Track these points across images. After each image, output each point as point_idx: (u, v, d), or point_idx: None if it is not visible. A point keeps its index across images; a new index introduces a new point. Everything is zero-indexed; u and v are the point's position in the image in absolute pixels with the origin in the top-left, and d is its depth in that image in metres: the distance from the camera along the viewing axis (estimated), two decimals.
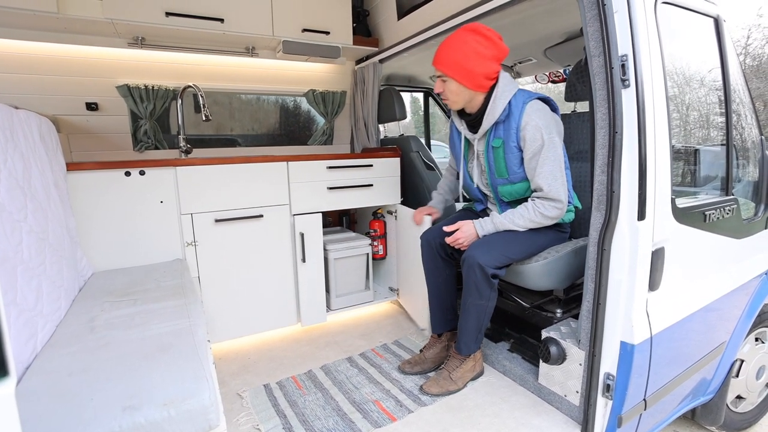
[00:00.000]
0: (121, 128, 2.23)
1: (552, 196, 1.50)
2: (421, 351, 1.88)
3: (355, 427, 1.47)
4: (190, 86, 2.11)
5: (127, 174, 1.74)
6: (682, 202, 1.45)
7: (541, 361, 1.54)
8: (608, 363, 1.35)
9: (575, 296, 1.75)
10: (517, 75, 2.60)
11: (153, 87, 2.21)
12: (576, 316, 1.66)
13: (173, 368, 0.94)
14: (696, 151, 1.77)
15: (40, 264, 1.23)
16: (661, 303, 1.39)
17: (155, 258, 1.84)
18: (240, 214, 1.97)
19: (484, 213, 1.81)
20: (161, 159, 1.80)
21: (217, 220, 1.92)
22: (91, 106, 2.14)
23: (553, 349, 1.48)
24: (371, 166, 2.26)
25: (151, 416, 0.80)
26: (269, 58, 2.45)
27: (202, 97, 2.05)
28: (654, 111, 1.26)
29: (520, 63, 2.46)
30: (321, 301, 2.22)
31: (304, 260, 2.13)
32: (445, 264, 1.77)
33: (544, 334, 1.55)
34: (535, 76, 2.66)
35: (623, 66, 1.22)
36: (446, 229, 1.64)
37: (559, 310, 1.74)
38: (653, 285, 1.34)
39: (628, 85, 1.22)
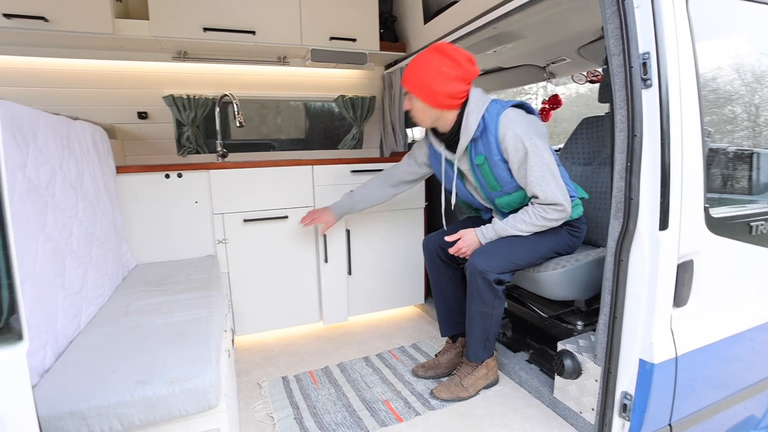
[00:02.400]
0: (167, 134, 2.40)
1: (549, 200, 1.43)
2: (436, 356, 1.87)
3: (362, 424, 1.47)
4: (226, 95, 2.21)
5: (167, 176, 1.86)
6: (720, 212, 1.30)
7: (555, 374, 1.45)
8: (626, 381, 1.25)
9: (597, 308, 1.62)
10: (551, 75, 2.47)
11: (194, 96, 2.36)
12: None
13: (184, 351, 1.03)
14: (754, 155, 1.58)
15: (87, 254, 1.38)
16: (690, 321, 1.26)
17: (190, 253, 1.95)
18: (267, 215, 2.04)
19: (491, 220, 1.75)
20: (197, 163, 1.92)
21: (245, 220, 2.01)
22: (142, 115, 2.33)
23: (567, 363, 1.39)
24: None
25: (158, 391, 0.89)
26: (300, 66, 2.53)
27: (236, 105, 2.15)
28: (681, 112, 1.14)
29: (553, 63, 2.34)
30: (343, 301, 2.25)
31: (326, 261, 2.16)
32: (447, 267, 1.75)
33: (560, 346, 1.46)
34: (572, 77, 2.50)
35: (644, 64, 1.11)
36: (448, 239, 1.60)
37: (580, 322, 1.63)
38: (679, 301, 1.22)
39: (650, 85, 1.12)
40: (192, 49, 2.22)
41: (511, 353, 1.83)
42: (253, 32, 2.11)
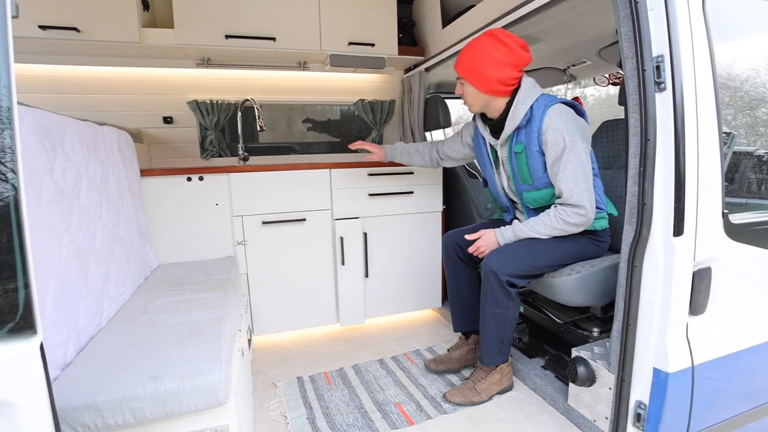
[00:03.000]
0: (192, 138, 2.50)
1: (573, 201, 1.42)
2: (448, 350, 1.90)
3: (373, 425, 1.50)
4: (248, 100, 2.29)
5: (189, 179, 1.95)
6: (741, 218, 1.27)
7: (569, 381, 1.44)
8: (639, 390, 1.24)
9: (613, 315, 1.60)
10: (572, 78, 2.44)
11: (217, 101, 2.45)
12: None
13: (197, 349, 1.08)
14: None
15: (110, 254, 1.46)
16: (708, 330, 1.24)
17: (210, 254, 2.03)
18: (285, 218, 2.11)
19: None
20: (217, 166, 2.01)
21: (264, 222, 2.08)
22: (167, 120, 2.44)
23: (581, 370, 1.38)
24: (412, 173, 2.27)
25: (170, 387, 0.93)
26: (319, 71, 2.59)
27: (257, 109, 2.23)
28: (697, 116, 1.13)
29: (573, 66, 2.31)
30: (359, 303, 2.28)
31: (343, 263, 2.21)
32: (464, 265, 1.77)
33: (574, 352, 1.46)
34: (593, 79, 2.47)
35: (658, 68, 1.11)
36: (468, 237, 1.62)
37: (596, 329, 1.61)
38: (696, 309, 1.20)
39: (664, 89, 1.11)
40: (215, 55, 2.31)
41: (527, 359, 1.83)
42: (273, 39, 2.18)
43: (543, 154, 1.47)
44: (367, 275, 2.29)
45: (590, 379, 1.37)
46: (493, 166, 1.68)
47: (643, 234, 1.17)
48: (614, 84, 2.43)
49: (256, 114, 2.24)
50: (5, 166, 0.56)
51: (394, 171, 2.24)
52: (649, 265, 1.18)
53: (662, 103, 1.12)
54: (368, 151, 1.98)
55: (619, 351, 1.27)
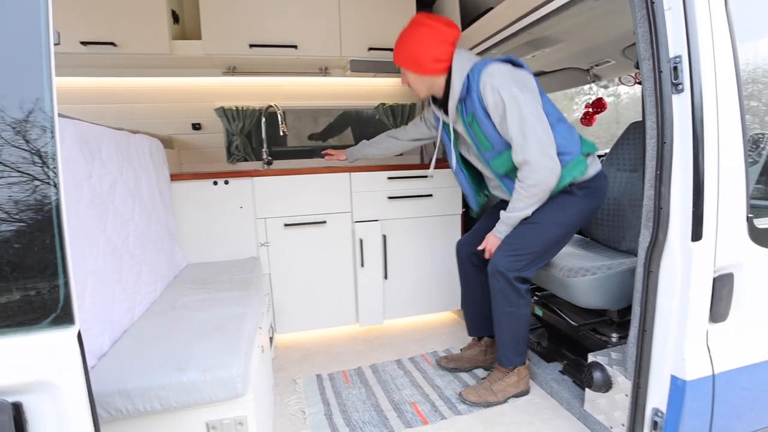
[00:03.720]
0: (219, 143, 2.62)
1: (523, 157, 1.41)
2: (461, 350, 1.95)
3: (388, 423, 1.54)
4: (271, 106, 2.38)
5: (215, 183, 2.05)
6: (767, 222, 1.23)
7: (585, 386, 1.43)
8: (657, 397, 1.22)
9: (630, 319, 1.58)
10: (595, 78, 2.40)
11: (242, 108, 2.57)
12: None
13: (218, 344, 1.16)
14: None
15: (141, 254, 1.56)
16: (730, 338, 1.21)
17: (235, 255, 2.13)
18: (306, 220, 2.18)
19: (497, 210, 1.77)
20: (242, 170, 2.10)
21: (286, 225, 2.16)
22: (196, 126, 2.57)
23: (596, 375, 1.38)
24: (431, 176, 2.30)
25: (193, 378, 1.01)
26: (340, 77, 2.65)
27: (280, 115, 2.32)
28: (718, 118, 1.11)
29: (596, 65, 2.28)
30: (379, 304, 2.33)
31: (362, 265, 2.26)
32: (476, 271, 1.80)
33: (590, 357, 1.45)
34: (619, 78, 2.42)
35: (675, 69, 1.09)
36: (479, 248, 1.66)
37: (614, 334, 1.60)
38: (717, 316, 1.18)
39: (682, 90, 1.10)
40: (240, 64, 2.41)
41: (545, 363, 1.82)
42: (295, 46, 2.27)
43: (490, 117, 1.48)
44: (386, 277, 2.33)
45: (606, 385, 1.36)
46: (452, 145, 1.72)
47: (660, 239, 1.16)
48: (640, 83, 2.37)
49: (279, 119, 2.33)
50: (48, 173, 0.63)
51: (413, 174, 2.28)
52: (666, 271, 1.17)
53: (680, 105, 1.11)
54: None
55: (635, 357, 1.26)
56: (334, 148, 2.85)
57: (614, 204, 1.92)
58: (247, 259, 2.13)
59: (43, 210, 0.63)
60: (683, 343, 1.16)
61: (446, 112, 1.64)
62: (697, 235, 1.12)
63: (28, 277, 0.63)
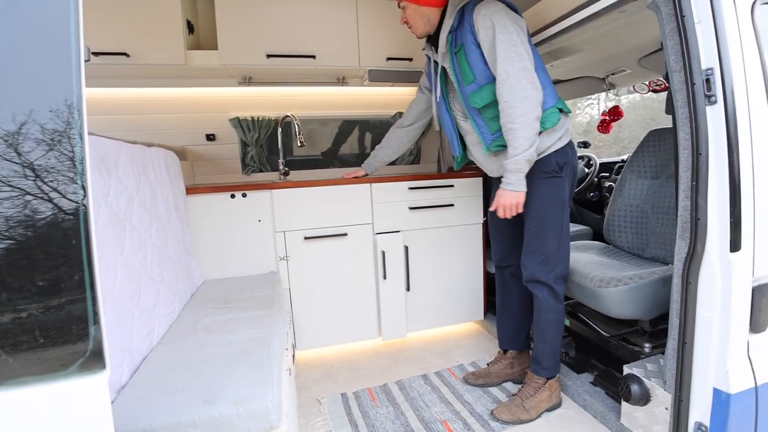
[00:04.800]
0: (233, 154, 2.70)
1: (510, 83, 1.48)
2: (487, 365, 2.01)
3: None
4: (288, 116, 2.45)
5: (232, 196, 2.12)
6: None
7: (622, 399, 1.48)
8: (699, 411, 1.27)
9: (664, 329, 1.63)
10: (611, 86, 2.47)
11: (258, 118, 2.65)
12: None
13: (247, 372, 1.15)
14: None
15: (159, 274, 1.59)
16: None
17: (253, 270, 2.19)
18: (327, 232, 2.25)
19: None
20: (260, 183, 2.17)
21: (306, 238, 2.22)
22: (210, 137, 2.65)
23: (634, 388, 1.42)
24: (452, 186, 2.37)
25: (223, 411, 1.00)
26: (358, 86, 2.73)
27: (297, 125, 2.40)
28: (751, 128, 1.16)
29: (612, 74, 2.35)
30: (401, 317, 2.39)
31: (385, 277, 2.31)
32: (516, 282, 1.87)
33: (626, 370, 1.49)
34: (633, 86, 2.50)
35: (708, 81, 1.15)
36: (491, 209, 1.69)
37: (647, 345, 1.65)
38: (757, 326, 1.23)
39: (715, 102, 1.16)
40: (256, 74, 2.49)
41: (575, 374, 1.86)
42: (313, 56, 2.35)
43: (479, 46, 1.56)
44: (408, 288, 2.39)
45: (644, 398, 1.41)
46: (444, 88, 1.78)
47: (698, 250, 1.21)
48: (654, 91, 2.45)
49: (296, 130, 2.40)
50: (79, 210, 0.61)
51: (434, 184, 2.35)
52: (705, 283, 1.22)
53: (713, 117, 1.17)
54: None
55: (675, 370, 1.30)
56: (353, 156, 2.95)
57: (637, 211, 1.98)
58: (266, 274, 2.19)
59: (71, 260, 0.61)
60: (726, 355, 1.20)
61: (437, 50, 1.73)
62: (735, 245, 1.17)
63: (54, 321, 0.60)
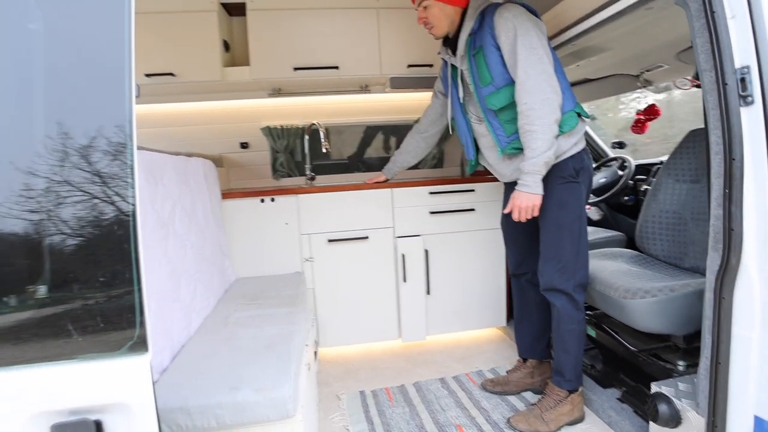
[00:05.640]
0: (264, 160, 2.73)
1: (529, 86, 1.40)
2: (507, 372, 1.90)
3: None
4: (314, 124, 2.45)
5: (262, 201, 2.13)
6: None
7: (649, 419, 1.33)
8: None
9: (699, 347, 1.45)
10: (646, 83, 2.27)
11: (287, 126, 2.66)
12: None
13: (269, 364, 1.18)
14: None
15: (197, 272, 1.64)
16: None
17: (280, 269, 2.20)
18: (349, 236, 2.21)
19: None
20: (287, 188, 2.19)
21: (329, 240, 2.20)
22: (243, 145, 2.69)
23: (662, 408, 1.28)
24: (473, 191, 2.27)
25: (246, 398, 1.04)
26: (381, 93, 2.68)
27: (322, 133, 2.38)
28: None
29: (648, 71, 2.15)
30: (421, 319, 2.31)
31: (405, 280, 2.25)
32: (534, 290, 1.74)
33: (654, 388, 1.35)
34: (673, 82, 2.27)
35: (743, 80, 1.01)
36: (505, 212, 1.58)
37: (681, 362, 1.48)
38: None
39: (751, 102, 1.02)
40: (285, 85, 2.51)
41: (600, 389, 1.71)
42: (336, 67, 2.33)
43: (499, 49, 1.49)
44: (428, 292, 2.30)
45: (674, 420, 1.26)
46: (458, 91, 1.70)
47: (732, 263, 1.06)
48: (697, 86, 2.21)
49: (322, 137, 2.38)
50: (129, 224, 0.69)
51: (454, 189, 2.26)
52: (742, 299, 1.07)
53: (750, 119, 1.02)
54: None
55: (708, 392, 1.15)
56: (378, 160, 2.90)
57: (674, 217, 1.79)
58: (293, 274, 2.18)
59: (122, 257, 0.69)
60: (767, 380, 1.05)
61: (455, 53, 1.65)
62: None
63: (110, 311, 0.69)
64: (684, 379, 1.37)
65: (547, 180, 1.48)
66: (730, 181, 1.05)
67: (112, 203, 0.69)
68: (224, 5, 2.34)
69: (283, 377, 1.10)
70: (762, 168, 1.01)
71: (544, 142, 1.40)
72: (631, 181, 2.44)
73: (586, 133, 2.88)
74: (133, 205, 0.70)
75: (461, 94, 1.69)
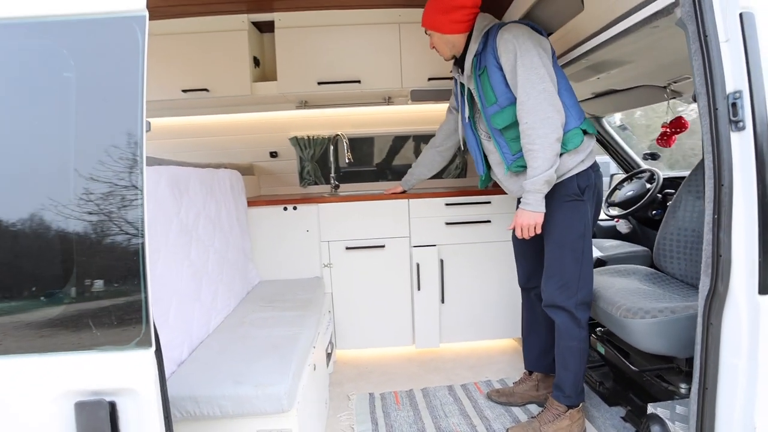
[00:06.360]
0: (292, 169, 2.91)
1: (529, 105, 1.43)
2: (513, 384, 1.92)
3: None
4: (338, 135, 2.58)
5: (285, 209, 2.29)
6: None
7: None
8: None
9: None
10: (675, 94, 2.19)
11: (313, 137, 2.81)
12: None
13: (272, 362, 1.31)
14: None
15: (219, 274, 1.81)
16: None
17: (301, 274, 2.35)
18: (366, 244, 2.33)
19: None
20: (308, 197, 2.33)
21: (347, 248, 2.32)
22: (273, 154, 2.88)
23: (655, 429, 1.29)
24: (489, 203, 2.31)
25: (247, 391, 1.17)
26: (403, 104, 2.77)
27: (346, 144, 2.52)
28: None
29: (675, 82, 2.09)
30: (435, 327, 2.38)
31: (419, 288, 2.32)
32: (538, 302, 1.76)
33: (650, 409, 1.35)
34: None
35: (734, 105, 1.01)
36: (509, 229, 1.64)
37: (683, 385, 1.46)
38: None
39: (743, 128, 1.02)
40: (311, 98, 2.67)
41: (606, 406, 1.71)
42: (359, 81, 2.45)
43: (501, 69, 1.53)
44: (443, 301, 2.37)
45: None
46: (466, 109, 1.75)
47: (719, 290, 1.06)
48: None
49: (345, 148, 2.51)
50: (139, 242, 0.82)
51: (470, 201, 2.31)
52: (730, 326, 1.07)
53: (740, 144, 1.02)
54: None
55: (696, 416, 1.15)
56: (402, 167, 2.98)
57: (693, 235, 1.74)
58: (312, 278, 2.32)
59: (132, 268, 0.83)
60: (753, 408, 1.04)
61: (464, 71, 1.71)
62: (766, 287, 1.00)
63: (122, 312, 0.83)
64: (683, 402, 1.36)
65: (552, 197, 1.52)
66: (719, 207, 1.05)
67: (123, 231, 0.82)
68: (255, 23, 2.53)
69: (282, 376, 1.22)
70: (751, 195, 1.01)
71: (545, 161, 1.44)
72: (659, 195, 2.37)
73: (616, 144, 2.83)
74: (143, 236, 0.82)
75: (467, 113, 1.75)
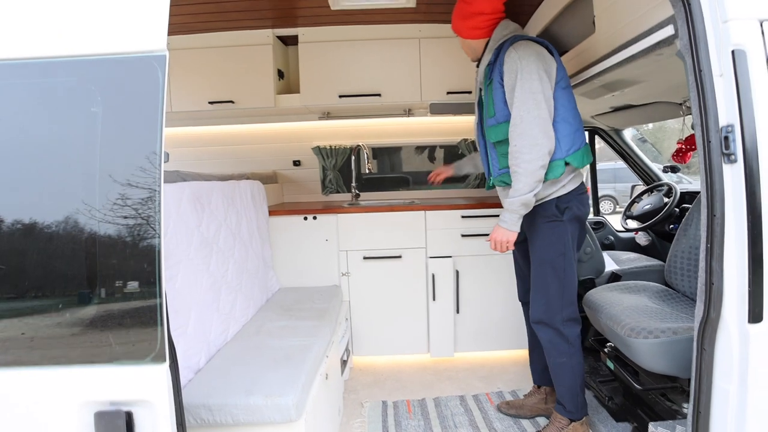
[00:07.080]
0: (315, 177, 3.06)
1: (521, 129, 1.47)
2: (523, 396, 1.99)
3: None
4: (360, 144, 2.71)
5: (305, 218, 2.44)
6: None
7: None
8: None
9: None
10: (690, 111, 2.18)
11: (335, 146, 2.96)
12: None
13: (283, 373, 1.41)
14: None
15: (238, 284, 1.94)
16: None
17: (319, 282, 2.49)
18: (383, 254, 2.45)
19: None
20: (328, 207, 2.47)
21: (365, 257, 2.45)
22: (296, 163, 3.05)
23: None
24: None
25: (257, 401, 1.26)
26: (423, 116, 2.87)
27: (366, 154, 2.65)
28: None
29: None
30: (449, 337, 2.48)
31: (434, 298, 2.42)
32: None
33: (651, 428, 1.40)
34: None
35: (726, 138, 1.07)
36: (486, 240, 1.70)
37: (686, 405, 1.48)
38: None
39: (735, 161, 1.07)
40: (332, 110, 2.82)
41: (613, 422, 1.76)
42: (379, 94, 2.57)
43: (503, 86, 1.57)
44: (458, 311, 2.46)
45: None
46: (480, 108, 1.79)
47: (712, 317, 1.11)
48: None
49: (365, 158, 2.63)
50: (154, 270, 0.92)
51: (486, 214, 2.39)
52: (722, 352, 1.11)
53: (732, 176, 1.07)
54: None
55: None
56: (424, 174, 3.06)
57: None
58: (330, 287, 2.46)
59: (149, 291, 0.93)
60: None
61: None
62: (755, 316, 1.05)
63: (139, 328, 0.94)
64: (683, 422, 1.40)
65: (533, 217, 1.61)
66: (711, 237, 1.10)
67: (141, 254, 0.92)
68: (280, 37, 2.69)
69: (291, 387, 1.30)
70: (742, 226, 1.06)
71: (525, 185, 1.50)
72: (677, 209, 2.38)
73: (636, 156, 2.83)
74: (159, 262, 0.90)
75: (476, 118, 1.83)
